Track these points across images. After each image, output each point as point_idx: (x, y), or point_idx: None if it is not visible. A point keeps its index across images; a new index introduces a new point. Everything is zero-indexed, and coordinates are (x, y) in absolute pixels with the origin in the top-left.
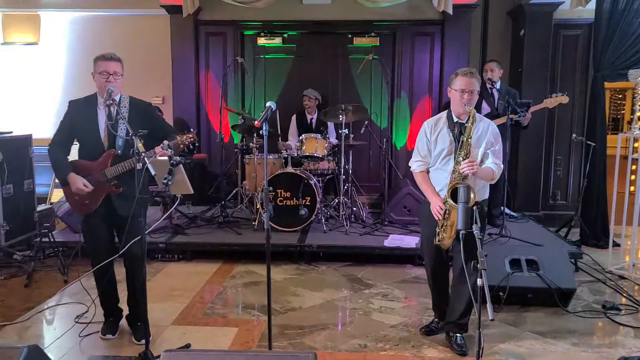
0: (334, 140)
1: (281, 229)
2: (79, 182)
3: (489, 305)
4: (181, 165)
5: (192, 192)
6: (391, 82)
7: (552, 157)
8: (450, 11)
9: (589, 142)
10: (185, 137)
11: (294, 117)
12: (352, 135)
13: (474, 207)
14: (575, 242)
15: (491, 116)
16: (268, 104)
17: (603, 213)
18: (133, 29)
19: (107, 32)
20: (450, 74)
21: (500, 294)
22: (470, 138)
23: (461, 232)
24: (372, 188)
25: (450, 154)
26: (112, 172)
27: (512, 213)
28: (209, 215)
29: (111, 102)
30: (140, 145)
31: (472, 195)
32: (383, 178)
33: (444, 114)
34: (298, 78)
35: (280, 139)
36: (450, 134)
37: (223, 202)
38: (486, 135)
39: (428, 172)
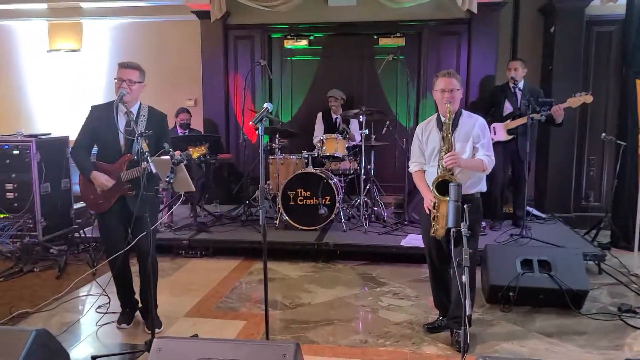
0: (358, 139)
1: (301, 227)
2: (102, 178)
3: (467, 301)
4: (182, 164)
5: (194, 189)
6: (417, 83)
7: (584, 157)
8: (475, 10)
9: (619, 142)
10: (197, 149)
11: (319, 115)
12: (373, 136)
13: (464, 206)
14: (605, 245)
15: (514, 115)
16: (265, 105)
17: (635, 214)
18: (168, 34)
19: (143, 38)
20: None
21: (511, 294)
22: (450, 134)
23: (452, 230)
24: (398, 188)
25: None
26: (127, 176)
27: (540, 214)
28: (234, 214)
29: (123, 104)
30: (145, 145)
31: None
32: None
33: (434, 116)
34: (324, 79)
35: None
36: (439, 133)
37: (247, 202)
38: (473, 129)
39: (425, 171)
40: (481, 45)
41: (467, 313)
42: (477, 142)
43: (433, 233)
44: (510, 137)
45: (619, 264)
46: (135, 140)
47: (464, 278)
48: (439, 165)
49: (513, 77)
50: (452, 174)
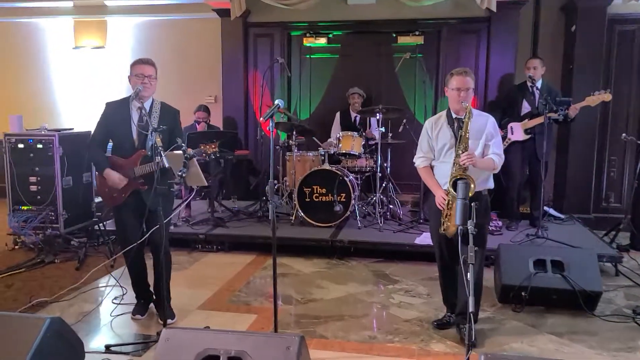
0: (376, 134)
1: (316, 224)
2: (115, 177)
3: (471, 298)
4: (194, 159)
5: (206, 183)
6: (435, 81)
7: (605, 158)
8: (494, 8)
9: (639, 142)
10: (208, 147)
11: (337, 115)
12: (390, 134)
13: (472, 204)
14: (624, 246)
15: (531, 115)
16: (276, 101)
17: None
18: (189, 31)
19: (165, 36)
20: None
21: (523, 293)
22: (468, 133)
23: (459, 228)
24: (414, 187)
25: (452, 148)
26: (140, 171)
27: (559, 214)
28: (251, 209)
29: (138, 100)
30: (159, 139)
31: (472, 186)
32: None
33: (443, 112)
34: (343, 77)
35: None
36: (450, 129)
37: (264, 197)
38: (485, 127)
39: (432, 167)
40: (500, 44)
41: (470, 310)
42: (490, 140)
43: (444, 230)
44: (527, 136)
45: (637, 266)
46: (149, 135)
47: (469, 275)
48: (454, 163)
49: (531, 76)
50: (466, 173)
